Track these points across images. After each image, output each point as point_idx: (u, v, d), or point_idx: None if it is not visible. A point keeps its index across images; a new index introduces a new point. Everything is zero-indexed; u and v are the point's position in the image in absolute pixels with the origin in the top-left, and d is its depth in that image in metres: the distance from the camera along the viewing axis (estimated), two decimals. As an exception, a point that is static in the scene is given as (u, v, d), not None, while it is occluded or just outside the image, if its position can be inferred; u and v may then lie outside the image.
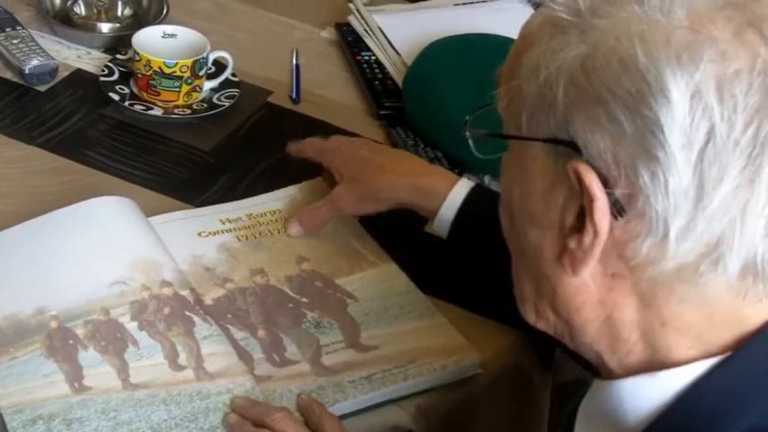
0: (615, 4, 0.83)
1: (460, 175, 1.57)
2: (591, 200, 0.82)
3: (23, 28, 1.75)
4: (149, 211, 1.43)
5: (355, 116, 1.72)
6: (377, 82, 1.78)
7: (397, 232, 1.46)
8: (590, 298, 0.88)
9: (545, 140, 0.85)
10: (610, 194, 0.81)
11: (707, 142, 0.78)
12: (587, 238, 0.83)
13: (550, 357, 1.39)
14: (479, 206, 1.35)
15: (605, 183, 0.81)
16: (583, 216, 0.84)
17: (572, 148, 0.83)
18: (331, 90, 1.78)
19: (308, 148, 1.50)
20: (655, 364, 0.88)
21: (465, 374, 1.30)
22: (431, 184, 1.38)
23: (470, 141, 0.98)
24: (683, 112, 0.78)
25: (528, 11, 1.93)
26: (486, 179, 1.60)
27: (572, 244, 0.85)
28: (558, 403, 1.27)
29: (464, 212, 1.35)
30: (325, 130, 1.65)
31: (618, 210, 0.82)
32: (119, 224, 1.38)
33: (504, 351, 1.35)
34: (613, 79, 0.80)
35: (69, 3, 1.85)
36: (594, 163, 0.82)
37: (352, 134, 1.66)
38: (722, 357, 0.85)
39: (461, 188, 1.37)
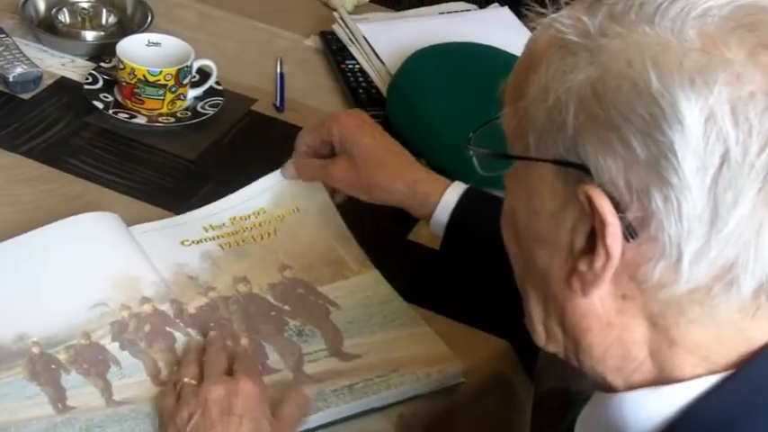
0: (625, 25, 0.82)
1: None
2: (603, 224, 0.80)
3: (7, 36, 1.75)
4: (133, 220, 1.43)
5: (339, 125, 1.72)
6: (361, 90, 1.78)
7: (380, 240, 1.47)
8: (599, 320, 0.86)
9: (554, 162, 0.83)
10: (622, 218, 0.80)
11: (721, 166, 0.77)
12: (599, 262, 0.82)
13: (533, 366, 1.39)
14: (472, 208, 1.36)
15: (617, 207, 0.80)
16: (593, 238, 0.82)
17: (583, 171, 0.81)
18: (315, 98, 1.78)
19: (304, 141, 1.49)
20: (659, 380, 0.87)
21: (448, 383, 1.30)
22: (424, 190, 1.39)
23: (474, 159, 0.95)
24: (696, 136, 0.77)
25: (513, 20, 1.93)
26: (470, 187, 1.60)
27: (582, 267, 0.84)
28: (540, 412, 1.27)
29: (457, 215, 1.37)
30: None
31: (630, 233, 0.80)
32: (96, 243, 1.37)
33: (487, 360, 1.35)
34: (625, 104, 0.79)
35: (54, 11, 1.85)
36: (606, 187, 0.80)
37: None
38: (726, 374, 0.84)
39: (453, 191, 1.38)
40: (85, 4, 1.87)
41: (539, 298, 0.91)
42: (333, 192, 1.49)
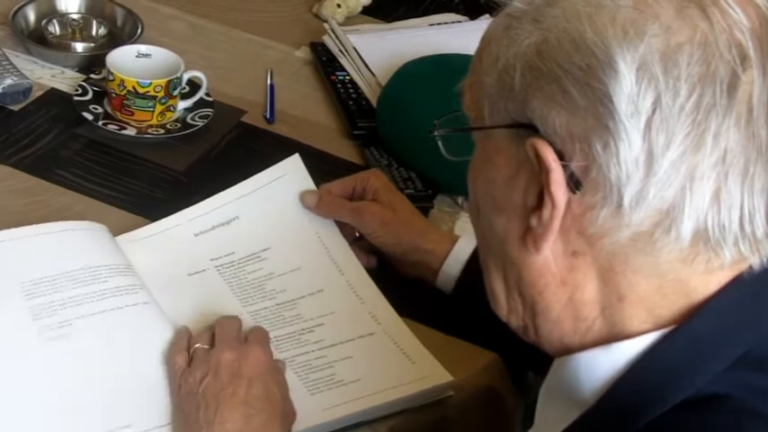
0: None
1: (434, 196, 1.59)
2: (547, 172, 0.86)
3: (-3, 47, 1.75)
4: (122, 232, 1.43)
5: (329, 136, 1.73)
6: (351, 102, 1.78)
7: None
8: (553, 279, 0.91)
9: (506, 126, 0.90)
10: (565, 167, 0.86)
11: (654, 110, 0.83)
12: (546, 212, 0.87)
13: (523, 379, 1.39)
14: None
15: (561, 156, 0.86)
16: (543, 194, 0.88)
17: (532, 129, 0.87)
18: (305, 110, 1.78)
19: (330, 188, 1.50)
20: (611, 337, 0.91)
21: (437, 396, 1.30)
22: (442, 250, 1.41)
23: (440, 143, 1.03)
24: (630, 83, 0.83)
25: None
26: (460, 200, 1.60)
27: (533, 221, 0.89)
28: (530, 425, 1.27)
29: (470, 268, 1.38)
30: (299, 150, 1.65)
31: (575, 183, 0.86)
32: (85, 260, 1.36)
33: (476, 373, 1.35)
34: (565, 57, 0.85)
35: (44, 22, 1.84)
36: (550, 138, 0.86)
37: (325, 154, 1.68)
38: (670, 329, 0.89)
39: (465, 245, 1.40)
40: (76, 16, 1.87)
41: (499, 269, 0.96)
42: (352, 235, 1.48)
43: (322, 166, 1.60)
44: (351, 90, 1.81)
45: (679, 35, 0.83)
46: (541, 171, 0.87)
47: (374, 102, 1.76)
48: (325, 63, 1.86)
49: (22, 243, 1.36)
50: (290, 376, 1.27)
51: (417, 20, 2.03)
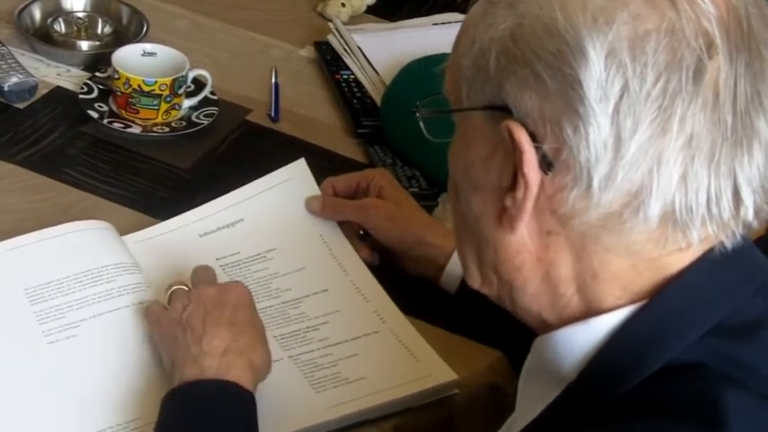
0: None
1: (438, 194, 1.59)
2: (520, 153, 0.89)
3: (3, 45, 1.75)
4: (127, 230, 1.44)
5: (334, 135, 1.73)
6: (355, 101, 1.78)
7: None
8: (529, 256, 0.94)
9: (483, 108, 0.92)
10: (538, 148, 0.88)
11: (621, 96, 0.85)
12: (520, 193, 0.90)
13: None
14: None
15: (534, 138, 0.88)
16: (517, 175, 0.90)
17: (506, 112, 0.90)
18: (310, 109, 1.78)
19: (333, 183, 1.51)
20: (588, 313, 0.94)
21: (442, 394, 1.30)
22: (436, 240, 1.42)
23: (422, 124, 1.05)
24: (599, 68, 0.85)
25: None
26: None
27: (508, 202, 0.91)
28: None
29: None
30: (303, 148, 1.66)
31: (547, 164, 0.88)
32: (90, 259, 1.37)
33: (481, 371, 1.35)
34: (538, 43, 0.88)
35: (49, 20, 1.85)
36: (524, 120, 0.89)
37: (329, 152, 1.68)
38: (644, 302, 0.92)
39: None
40: (81, 14, 1.87)
41: (473, 248, 0.99)
42: (356, 231, 1.48)
43: (326, 165, 1.61)
44: (355, 89, 1.81)
45: (647, 23, 0.86)
46: (515, 152, 0.89)
47: (378, 100, 1.76)
48: (330, 62, 1.87)
49: (28, 250, 1.37)
50: (295, 374, 1.28)
51: (421, 19, 2.03)
